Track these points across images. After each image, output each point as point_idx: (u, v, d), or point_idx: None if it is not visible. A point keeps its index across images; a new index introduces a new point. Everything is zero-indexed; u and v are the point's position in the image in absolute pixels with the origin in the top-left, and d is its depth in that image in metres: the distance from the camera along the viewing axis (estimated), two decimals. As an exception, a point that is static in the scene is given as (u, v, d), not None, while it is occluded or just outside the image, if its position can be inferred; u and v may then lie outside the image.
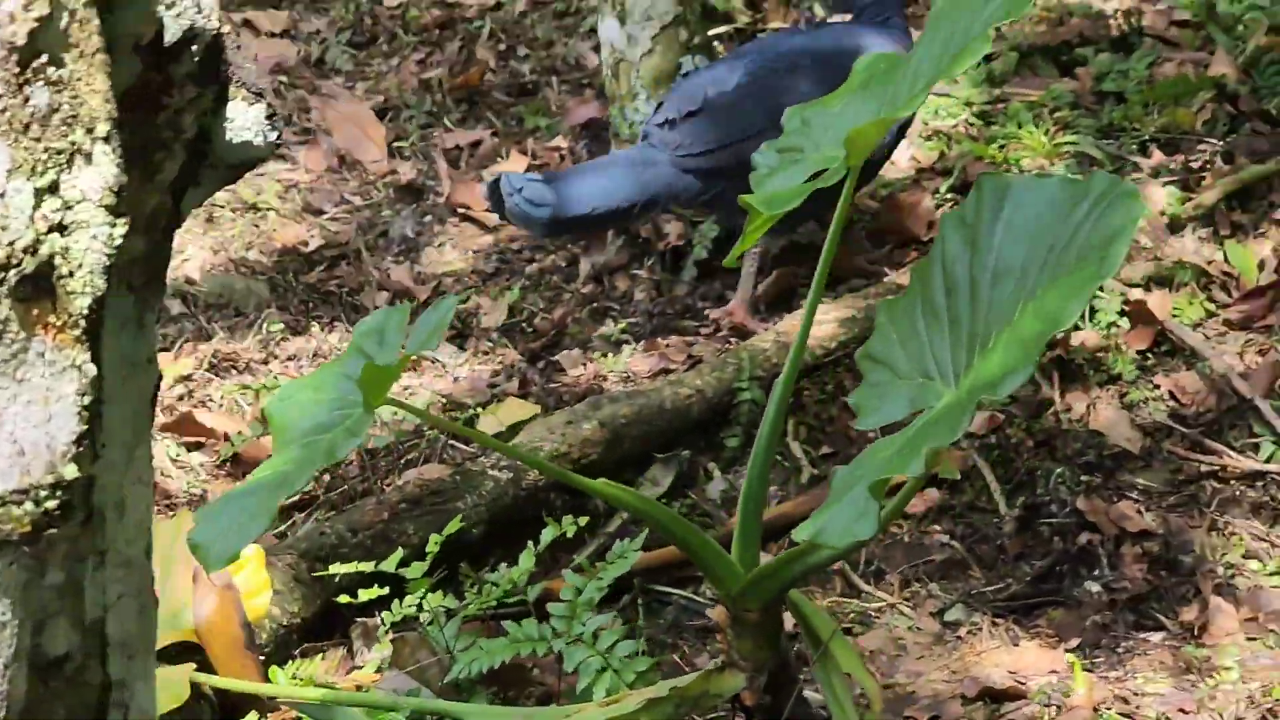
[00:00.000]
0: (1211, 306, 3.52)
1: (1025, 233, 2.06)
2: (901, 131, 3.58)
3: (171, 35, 1.39)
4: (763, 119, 3.27)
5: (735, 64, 3.47)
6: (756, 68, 3.42)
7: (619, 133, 3.75)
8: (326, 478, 3.15)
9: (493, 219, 3.82)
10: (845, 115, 2.37)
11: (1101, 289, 3.52)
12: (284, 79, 4.43)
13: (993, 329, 2.04)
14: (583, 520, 2.67)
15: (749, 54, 3.52)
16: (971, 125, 4.21)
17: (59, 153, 1.28)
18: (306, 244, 3.80)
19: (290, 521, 3.05)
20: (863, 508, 1.95)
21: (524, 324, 3.60)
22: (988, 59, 4.52)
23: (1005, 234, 2.09)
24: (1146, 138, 4.09)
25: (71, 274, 1.29)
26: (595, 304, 3.62)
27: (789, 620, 2.48)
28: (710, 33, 4.54)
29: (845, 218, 2.30)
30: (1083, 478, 3.14)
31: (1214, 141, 4.02)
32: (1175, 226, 3.74)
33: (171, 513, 2.99)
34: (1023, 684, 2.66)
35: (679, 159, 3.36)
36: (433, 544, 2.68)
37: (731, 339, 3.49)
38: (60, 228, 1.28)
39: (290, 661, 2.69)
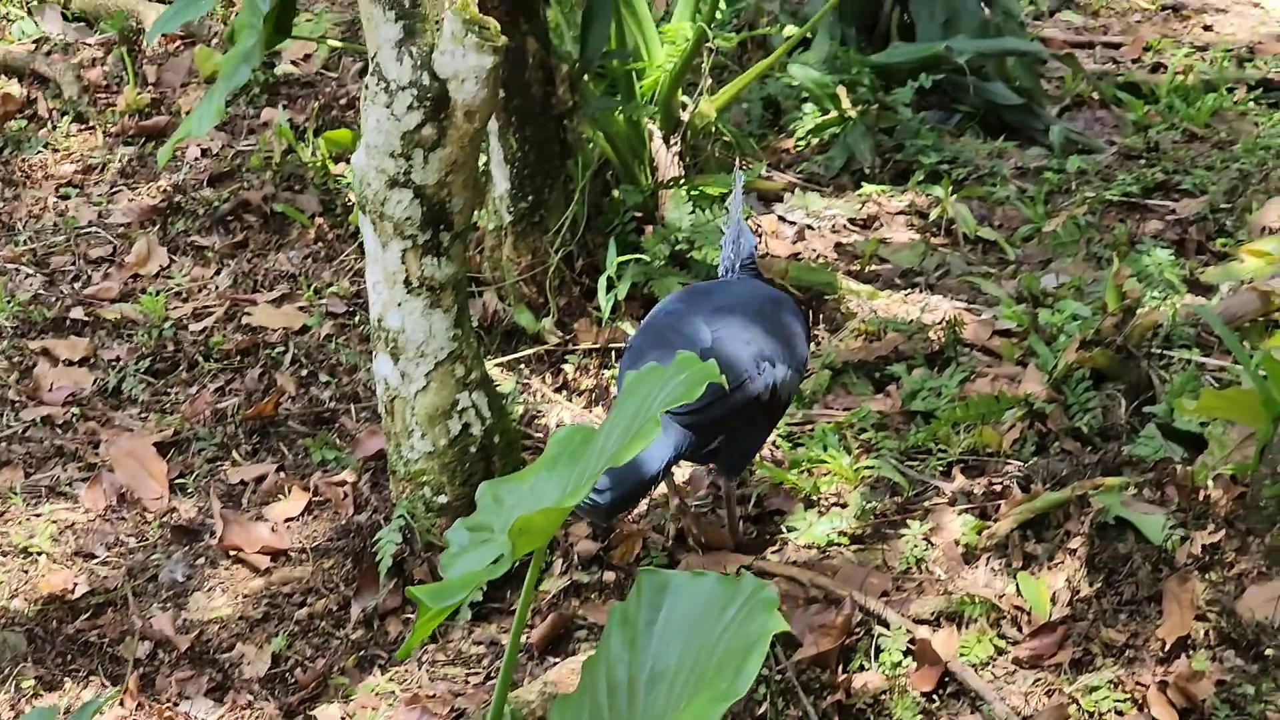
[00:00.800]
0: (1002, 643, 3.42)
1: (681, 634, 1.97)
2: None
3: None
4: (748, 367, 3.45)
5: (693, 319, 3.52)
6: (714, 325, 3.50)
7: (395, 470, 3.64)
8: None
9: (264, 561, 3.71)
10: (534, 494, 2.30)
11: (888, 626, 3.43)
12: (76, 410, 4.32)
13: (646, 739, 1.94)
14: None
15: (696, 310, 3.56)
16: (778, 448, 4.14)
17: None
18: (72, 590, 3.65)
19: None
20: None
21: (287, 673, 3.44)
22: (799, 377, 4.48)
23: (663, 634, 1.99)
24: (953, 459, 4.03)
25: None
26: (364, 651, 3.47)
27: None
28: (519, 354, 4.51)
29: (529, 600, 2.21)
30: (855, 836, 3.01)
31: (1020, 463, 3.95)
32: (970, 557, 3.66)
33: None
34: None
35: (688, 422, 3.40)
36: None
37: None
38: None
39: None
